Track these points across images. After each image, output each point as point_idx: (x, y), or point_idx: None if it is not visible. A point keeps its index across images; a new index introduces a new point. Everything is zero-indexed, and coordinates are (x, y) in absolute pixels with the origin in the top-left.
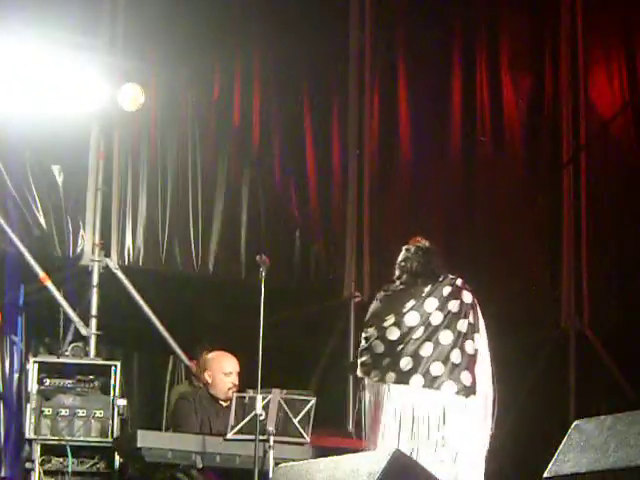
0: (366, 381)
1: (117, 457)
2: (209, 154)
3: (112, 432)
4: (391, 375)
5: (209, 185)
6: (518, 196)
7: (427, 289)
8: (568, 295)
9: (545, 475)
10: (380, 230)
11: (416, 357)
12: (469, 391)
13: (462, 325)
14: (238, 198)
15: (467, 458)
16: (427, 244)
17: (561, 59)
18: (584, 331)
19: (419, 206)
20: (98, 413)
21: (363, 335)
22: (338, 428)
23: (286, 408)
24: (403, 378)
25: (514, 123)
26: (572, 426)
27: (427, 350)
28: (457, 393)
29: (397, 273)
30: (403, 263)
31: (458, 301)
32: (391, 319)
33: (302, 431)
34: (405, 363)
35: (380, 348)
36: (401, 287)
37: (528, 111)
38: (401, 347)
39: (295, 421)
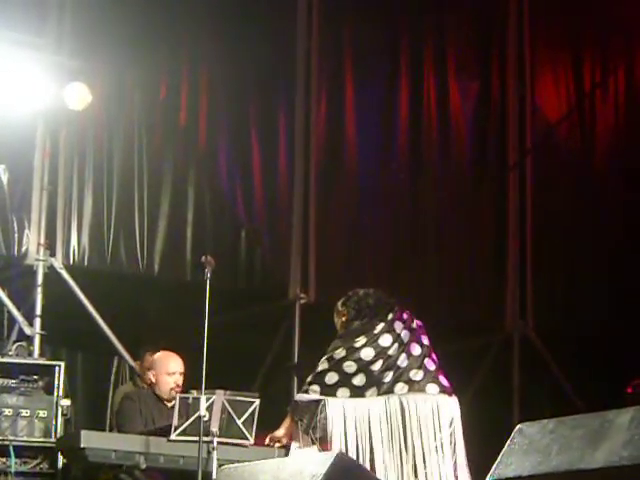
0: (329, 400)
1: (61, 457)
2: (155, 154)
3: (55, 432)
4: (372, 390)
5: (155, 185)
6: (465, 201)
7: (391, 316)
8: (513, 299)
9: (488, 478)
10: (326, 232)
11: (395, 369)
12: (450, 391)
13: (425, 340)
14: (184, 199)
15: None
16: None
17: (508, 64)
18: (529, 335)
19: (365, 209)
20: (42, 413)
21: (324, 358)
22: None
23: (230, 409)
24: (387, 389)
25: (461, 129)
26: (515, 429)
27: (403, 361)
28: (440, 392)
29: (352, 314)
30: (358, 305)
31: (415, 323)
32: (362, 340)
33: (246, 432)
34: (385, 376)
35: (352, 368)
36: (365, 320)
37: (475, 117)
38: (380, 365)
39: (239, 422)
